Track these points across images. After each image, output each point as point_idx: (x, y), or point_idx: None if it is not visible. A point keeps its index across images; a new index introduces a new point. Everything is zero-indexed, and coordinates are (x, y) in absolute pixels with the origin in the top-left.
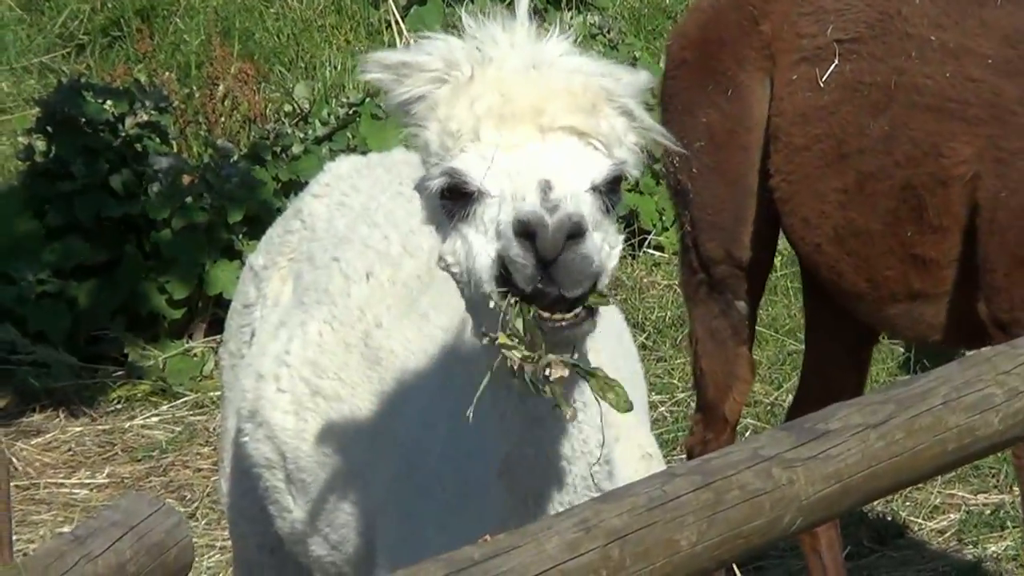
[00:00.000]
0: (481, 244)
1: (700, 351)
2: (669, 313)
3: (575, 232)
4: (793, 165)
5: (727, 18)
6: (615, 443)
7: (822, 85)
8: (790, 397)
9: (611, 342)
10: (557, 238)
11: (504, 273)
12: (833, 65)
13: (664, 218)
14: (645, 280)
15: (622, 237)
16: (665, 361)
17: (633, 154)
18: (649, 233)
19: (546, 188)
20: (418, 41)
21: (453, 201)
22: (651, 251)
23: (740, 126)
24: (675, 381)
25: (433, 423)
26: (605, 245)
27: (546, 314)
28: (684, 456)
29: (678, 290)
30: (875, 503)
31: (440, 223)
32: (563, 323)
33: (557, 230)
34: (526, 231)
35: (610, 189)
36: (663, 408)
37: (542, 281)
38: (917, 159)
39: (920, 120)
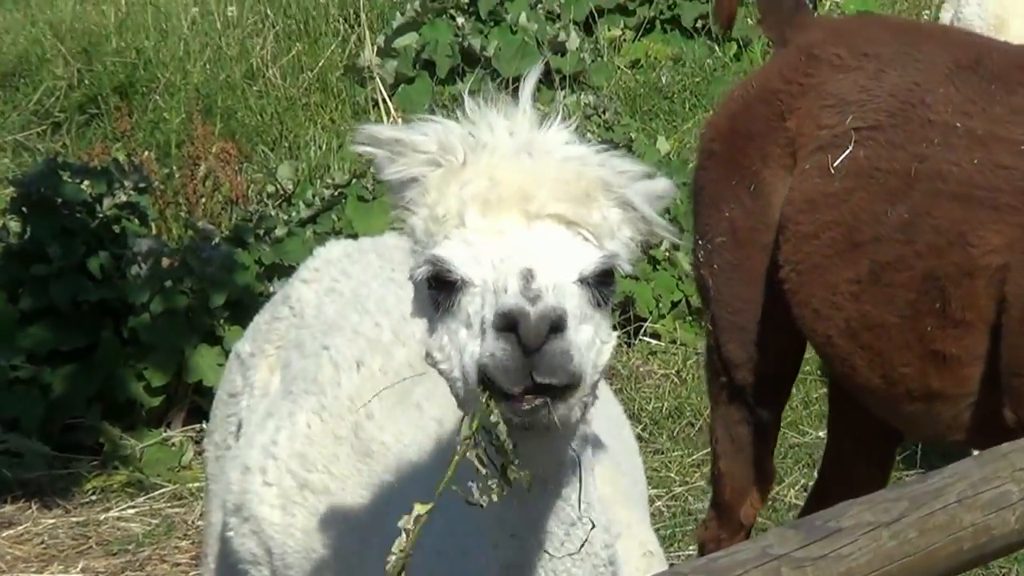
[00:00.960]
0: (465, 341)
1: (720, 451)
2: (666, 404)
3: (556, 325)
4: (802, 254)
5: (756, 112)
6: (616, 541)
7: (833, 171)
8: (791, 492)
9: (611, 436)
10: (540, 328)
11: (487, 379)
12: (846, 151)
13: (660, 305)
14: (641, 369)
15: (615, 333)
16: (662, 454)
17: (626, 247)
18: (645, 320)
19: (528, 277)
20: (414, 121)
21: (439, 291)
22: (647, 339)
23: (761, 224)
24: (672, 475)
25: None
26: (596, 340)
27: (517, 403)
28: (684, 554)
29: (675, 379)
30: None
31: (428, 315)
32: (524, 405)
33: (540, 320)
34: (507, 324)
35: (600, 282)
36: (660, 503)
37: (528, 378)
38: (941, 248)
39: (945, 208)
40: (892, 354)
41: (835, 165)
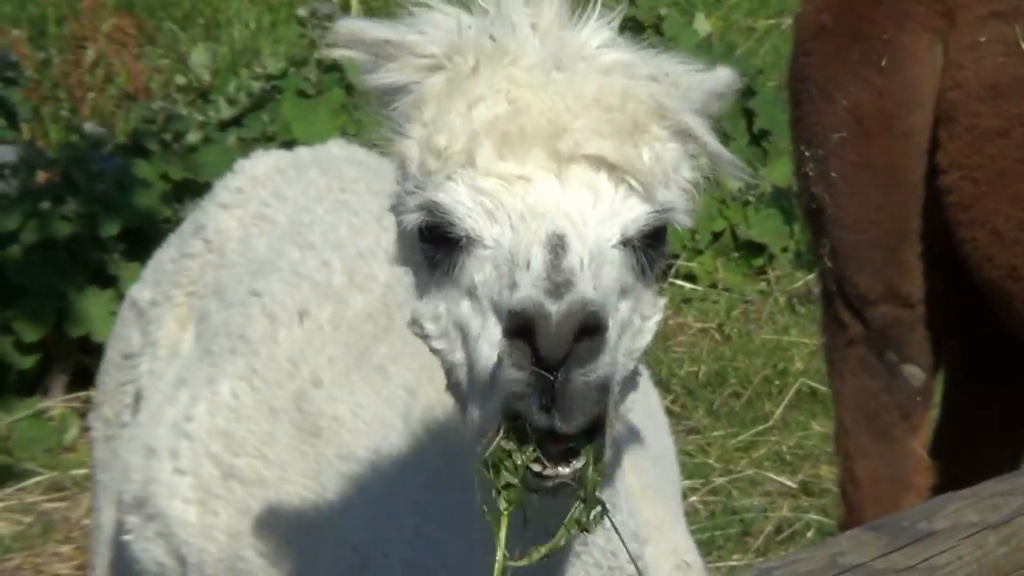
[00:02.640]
0: (469, 318)
1: (852, 450)
2: (704, 368)
3: (588, 328)
4: (980, 157)
5: None
6: (643, 548)
7: None
8: None
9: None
10: (563, 333)
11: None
12: None
13: (697, 237)
14: (672, 322)
15: (663, 301)
16: (698, 434)
17: (684, 195)
18: (677, 257)
19: (558, 248)
20: (413, 11)
21: (436, 246)
22: (680, 282)
23: (900, 107)
24: (711, 461)
25: (393, 518)
26: (635, 319)
27: (536, 466)
28: (726, 564)
29: (716, 335)
30: None
31: (418, 271)
32: (546, 480)
33: (563, 321)
34: (521, 327)
35: (648, 244)
36: (695, 498)
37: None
38: None
39: None
40: None
41: None
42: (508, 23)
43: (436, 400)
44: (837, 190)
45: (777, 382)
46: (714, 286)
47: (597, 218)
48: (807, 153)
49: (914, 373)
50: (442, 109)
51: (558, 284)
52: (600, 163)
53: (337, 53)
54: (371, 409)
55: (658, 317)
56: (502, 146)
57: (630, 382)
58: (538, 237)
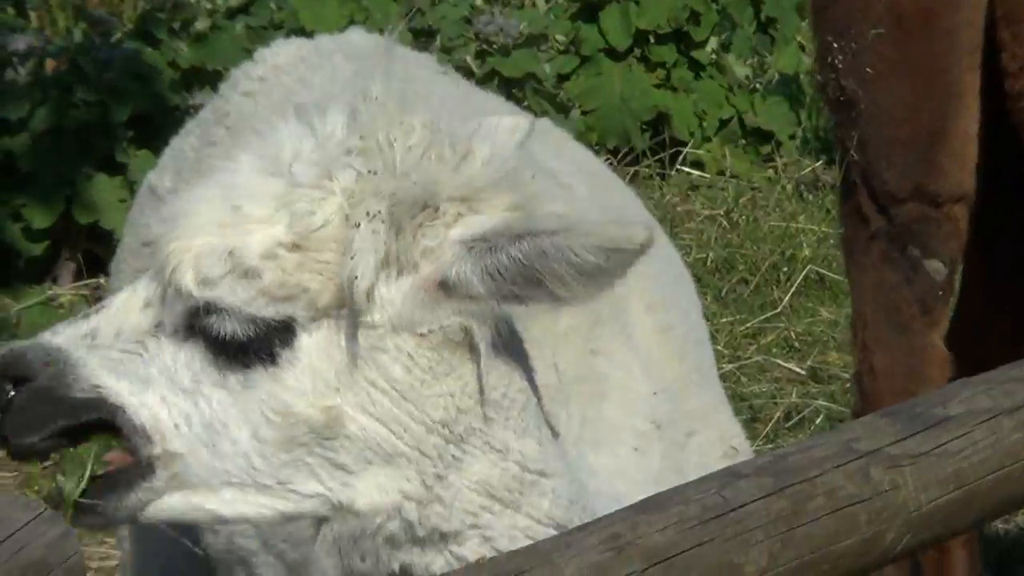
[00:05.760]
0: None
1: (870, 341)
2: (712, 254)
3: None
4: None
5: None
6: (688, 439)
7: None
8: None
9: (670, 286)
10: None
11: None
12: None
13: (705, 125)
14: (680, 208)
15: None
16: (707, 320)
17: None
18: (685, 145)
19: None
20: None
21: None
22: (687, 169)
23: (943, 4)
24: (720, 347)
25: None
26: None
27: None
28: None
29: (724, 221)
30: (1008, 517)
31: None
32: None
33: None
34: None
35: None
36: None
37: None
38: None
39: None
40: None
41: None
42: None
43: None
44: (872, 86)
45: (785, 269)
46: (722, 173)
47: None
48: (835, 45)
49: (936, 268)
50: None
51: None
52: None
53: None
54: None
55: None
56: None
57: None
58: None
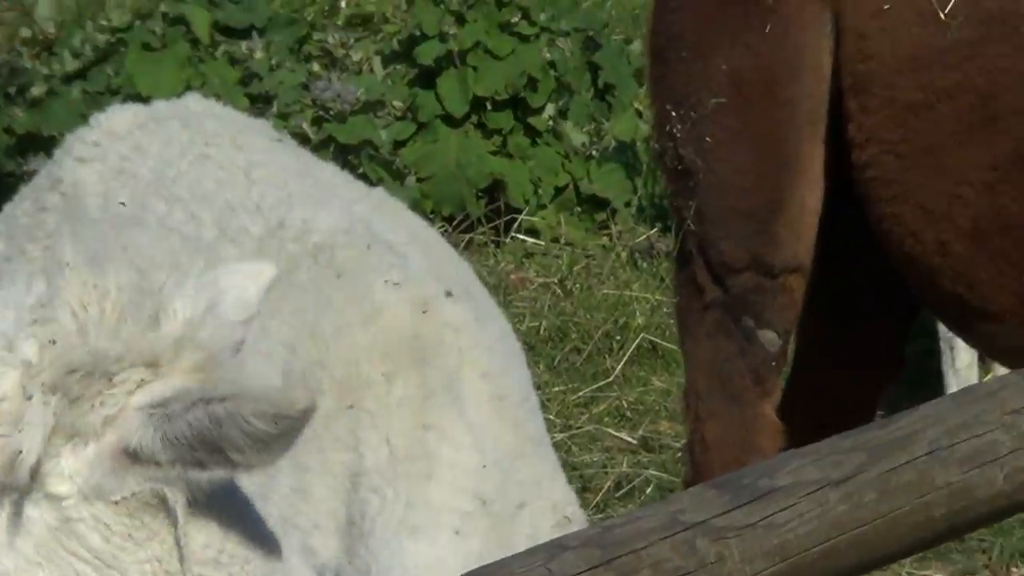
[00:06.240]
0: None
1: (702, 411)
2: (545, 323)
3: None
4: (906, 131)
5: None
6: (518, 510)
7: (944, 17)
8: None
9: (503, 352)
10: None
11: None
12: None
13: (540, 192)
14: (513, 277)
15: None
16: (539, 390)
17: None
18: (519, 212)
19: None
20: None
21: None
22: (522, 237)
23: (783, 74)
24: (551, 417)
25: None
26: None
27: None
28: None
29: (558, 290)
30: None
31: None
32: None
33: None
34: None
35: None
36: None
37: None
38: None
39: None
40: None
41: (947, 10)
42: None
43: (316, 358)
44: (711, 155)
45: (618, 337)
46: (556, 241)
47: None
48: (674, 113)
49: (770, 339)
50: None
51: None
52: None
53: None
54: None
55: None
56: None
57: None
58: None
